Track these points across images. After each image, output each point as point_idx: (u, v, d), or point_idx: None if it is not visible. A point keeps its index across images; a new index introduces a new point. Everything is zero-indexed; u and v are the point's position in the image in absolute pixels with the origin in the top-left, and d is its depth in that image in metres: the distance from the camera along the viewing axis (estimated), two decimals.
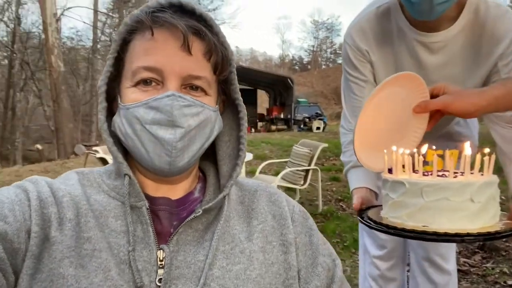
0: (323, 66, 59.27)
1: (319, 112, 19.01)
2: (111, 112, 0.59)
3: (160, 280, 0.53)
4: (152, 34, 0.54)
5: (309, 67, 61.97)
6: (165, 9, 0.55)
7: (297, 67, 64.65)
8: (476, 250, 3.03)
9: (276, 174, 4.33)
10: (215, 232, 0.57)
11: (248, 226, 0.61)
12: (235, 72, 0.61)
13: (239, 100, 0.62)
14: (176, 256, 0.55)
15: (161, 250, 0.55)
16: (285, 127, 19.29)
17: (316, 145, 4.34)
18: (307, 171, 4.14)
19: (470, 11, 0.90)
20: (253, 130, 19.14)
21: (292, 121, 19.18)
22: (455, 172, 0.64)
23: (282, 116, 20.30)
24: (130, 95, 0.55)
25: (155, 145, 0.54)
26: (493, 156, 0.65)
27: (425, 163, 0.68)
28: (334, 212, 4.23)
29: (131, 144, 0.55)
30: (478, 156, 0.64)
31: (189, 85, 0.56)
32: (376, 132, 0.85)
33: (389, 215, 0.70)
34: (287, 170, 4.20)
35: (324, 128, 16.47)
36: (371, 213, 0.77)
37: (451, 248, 1.29)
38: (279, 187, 4.59)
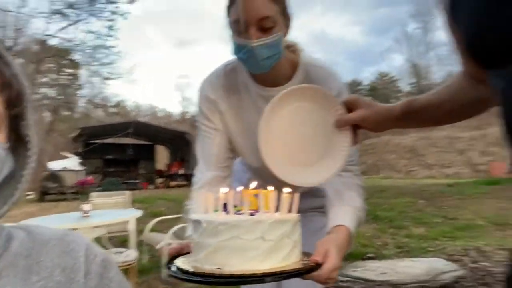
0: None
1: None
2: None
3: None
4: None
5: None
6: None
7: None
8: None
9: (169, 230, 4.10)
10: None
11: (24, 284, 0.53)
12: (30, 107, 0.57)
13: (30, 137, 0.58)
14: None
15: None
16: (185, 182, 18.88)
17: None
18: None
19: (303, 71, 1.05)
20: (150, 186, 18.27)
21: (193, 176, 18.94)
22: (253, 211, 0.66)
23: (182, 171, 19.93)
24: None
25: None
26: (296, 196, 0.68)
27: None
28: None
29: None
30: (274, 194, 0.66)
31: None
32: (293, 149, 0.87)
33: (192, 259, 0.67)
34: (180, 226, 4.01)
35: None
36: (184, 258, 0.73)
37: None
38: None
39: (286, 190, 0.71)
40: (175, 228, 3.96)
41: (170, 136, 21.23)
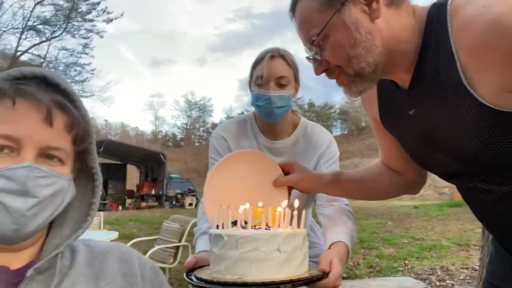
0: (196, 144, 60.85)
1: (191, 188, 18.99)
2: None
3: None
4: (14, 104, 0.55)
5: (182, 143, 62.75)
6: (28, 81, 0.57)
7: (170, 144, 64.67)
8: None
9: (145, 253, 4.04)
10: None
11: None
12: (95, 142, 0.65)
13: (96, 169, 0.66)
14: None
15: None
16: (156, 203, 18.46)
17: (187, 220, 4.28)
18: (177, 248, 4.00)
19: (302, 128, 1.32)
20: (120, 207, 17.74)
21: (164, 197, 18.60)
22: (267, 226, 0.75)
23: (153, 192, 19.49)
24: None
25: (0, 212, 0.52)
26: (303, 212, 0.78)
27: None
28: None
29: None
30: (287, 211, 0.76)
31: (46, 154, 0.57)
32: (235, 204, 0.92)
33: (212, 270, 0.74)
34: (156, 248, 3.99)
35: (196, 204, 16.35)
36: (200, 270, 0.81)
37: None
38: None
39: (296, 204, 0.81)
40: (152, 250, 3.92)
41: (142, 156, 20.83)
